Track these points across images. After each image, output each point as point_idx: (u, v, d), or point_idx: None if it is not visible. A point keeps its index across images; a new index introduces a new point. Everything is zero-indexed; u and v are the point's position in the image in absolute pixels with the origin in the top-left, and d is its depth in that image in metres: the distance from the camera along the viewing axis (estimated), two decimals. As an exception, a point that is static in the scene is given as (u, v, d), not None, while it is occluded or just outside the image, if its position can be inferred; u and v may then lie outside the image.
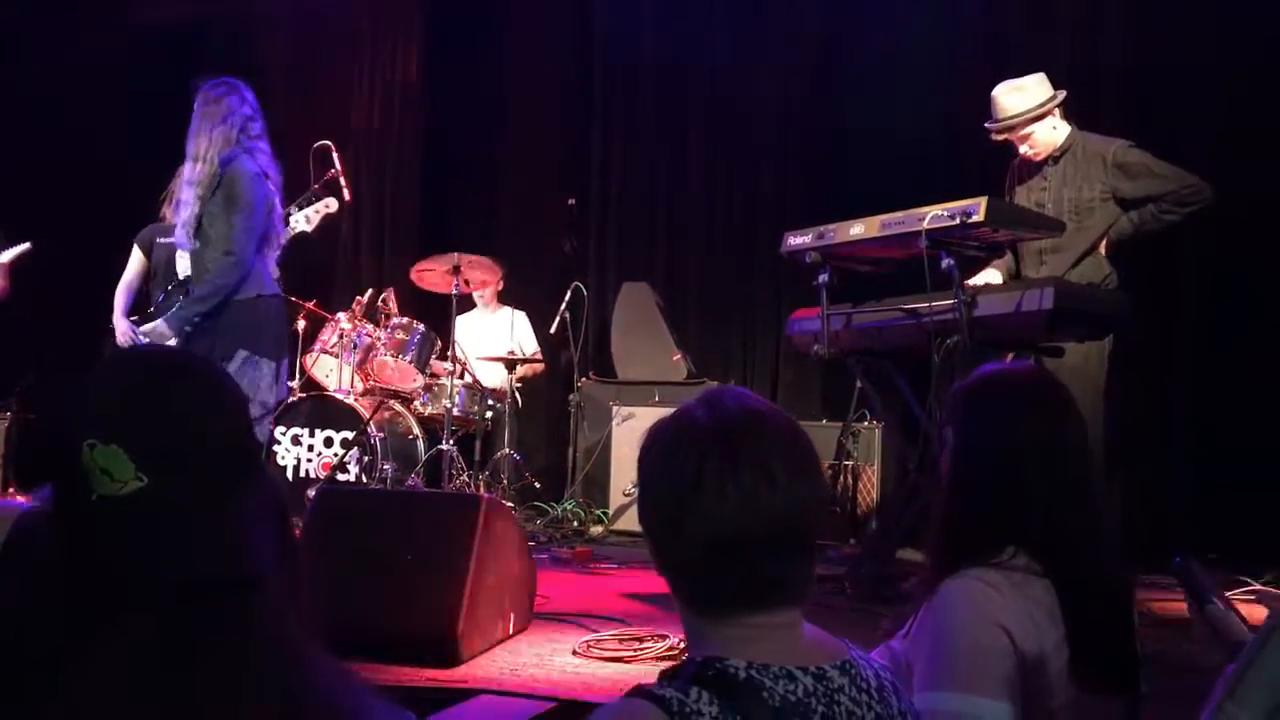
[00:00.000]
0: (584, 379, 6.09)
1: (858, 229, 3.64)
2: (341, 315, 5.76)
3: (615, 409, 5.76)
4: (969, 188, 3.51)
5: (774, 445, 1.07)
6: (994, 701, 1.42)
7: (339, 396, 5.47)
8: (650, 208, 6.82)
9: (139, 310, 4.58)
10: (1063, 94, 4.01)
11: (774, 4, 6.44)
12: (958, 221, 3.33)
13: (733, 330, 6.51)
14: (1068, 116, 4.06)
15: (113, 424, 0.92)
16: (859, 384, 4.22)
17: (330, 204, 4.63)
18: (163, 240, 4.39)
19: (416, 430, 5.66)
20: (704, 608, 1.09)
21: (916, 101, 5.60)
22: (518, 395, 6.06)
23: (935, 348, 3.46)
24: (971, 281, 3.82)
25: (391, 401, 5.67)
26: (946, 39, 5.77)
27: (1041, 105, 3.98)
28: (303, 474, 5.40)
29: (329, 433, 5.42)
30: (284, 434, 5.44)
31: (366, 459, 5.29)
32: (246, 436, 1.03)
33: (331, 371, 5.68)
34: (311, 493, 3.55)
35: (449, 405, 5.35)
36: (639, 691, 1.03)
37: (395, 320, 5.74)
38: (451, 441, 5.28)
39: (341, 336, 5.64)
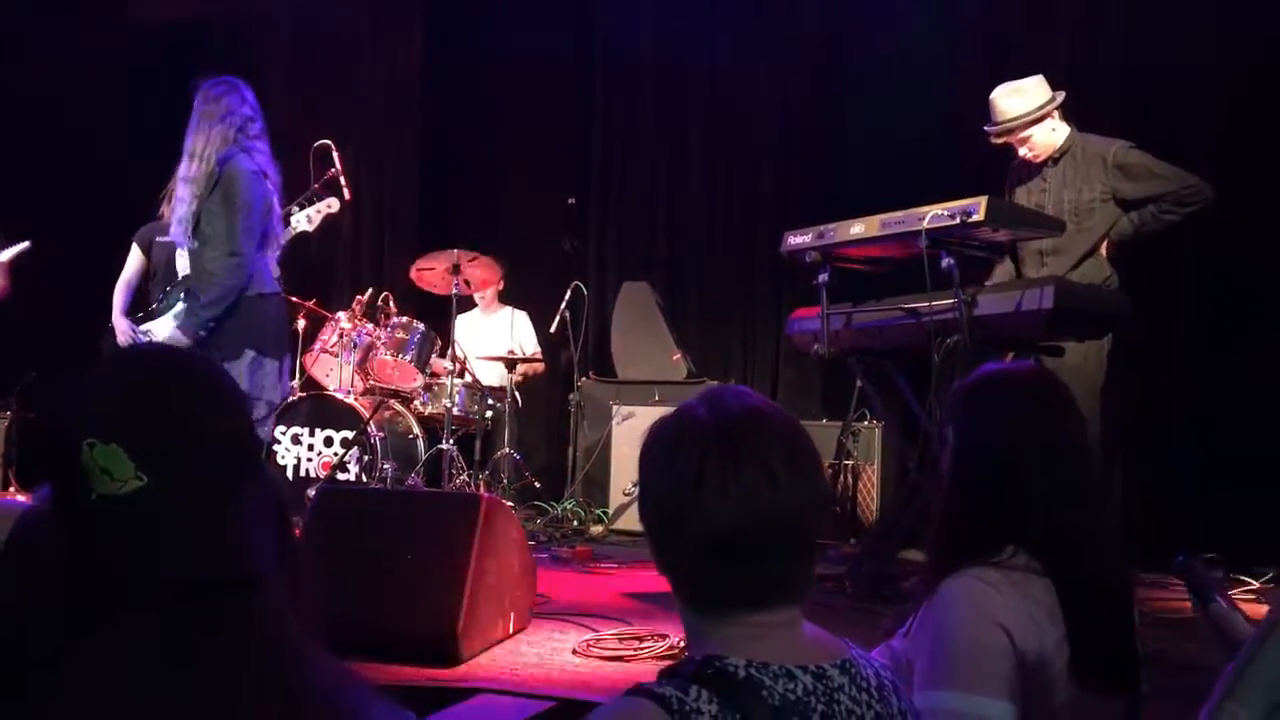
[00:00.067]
0: (584, 378, 6.09)
1: (858, 228, 3.65)
2: (341, 315, 5.76)
3: (615, 408, 5.76)
4: (969, 188, 3.51)
5: (775, 444, 1.07)
6: (994, 700, 1.43)
7: (339, 396, 5.47)
8: (650, 208, 6.83)
9: (138, 309, 4.58)
10: (1061, 95, 4.01)
11: (774, 4, 6.44)
12: (958, 221, 3.33)
13: (733, 330, 6.51)
14: (1067, 118, 4.06)
15: (112, 423, 0.92)
16: (859, 383, 4.23)
17: (332, 204, 4.63)
18: (162, 239, 4.38)
19: (416, 430, 5.66)
20: (704, 606, 1.09)
21: (916, 101, 5.60)
22: (518, 395, 6.06)
23: (935, 347, 3.46)
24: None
25: (391, 401, 5.68)
26: (946, 39, 5.76)
27: (1041, 107, 3.98)
28: (303, 473, 5.40)
29: (329, 432, 5.42)
30: (284, 433, 5.44)
31: (366, 458, 5.30)
32: (247, 436, 1.03)
33: (332, 371, 5.68)
34: (311, 492, 3.55)
35: (449, 405, 5.35)
36: (639, 690, 1.03)
37: (395, 320, 5.74)
38: (451, 441, 5.28)
39: (341, 336, 5.64)
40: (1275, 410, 4.58)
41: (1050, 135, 4.03)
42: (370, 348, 5.64)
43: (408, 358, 5.65)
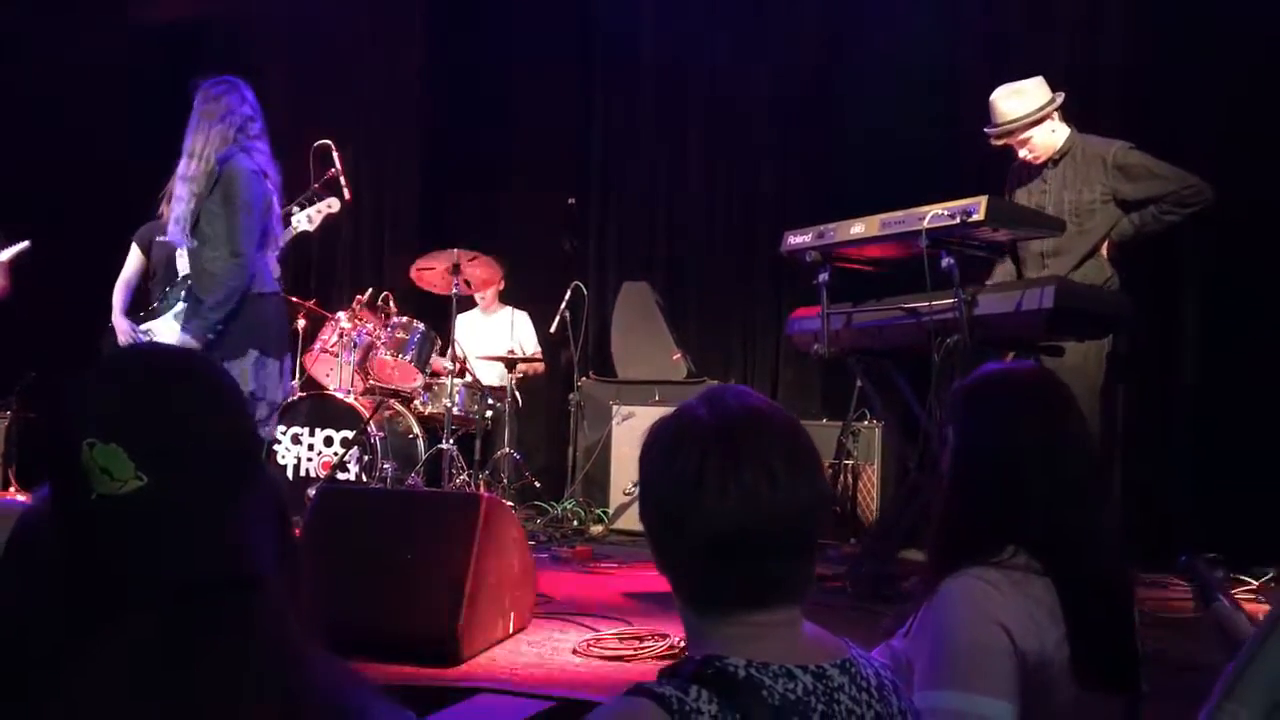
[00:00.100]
0: (584, 378, 6.09)
1: (858, 228, 3.64)
2: (341, 314, 5.76)
3: (615, 408, 5.76)
4: (969, 188, 3.51)
5: (775, 444, 1.07)
6: (995, 700, 1.42)
7: (339, 395, 5.47)
8: (650, 208, 6.83)
9: (138, 309, 4.58)
10: (1061, 97, 4.00)
11: (774, 4, 6.45)
12: (958, 220, 3.33)
13: (733, 330, 6.51)
14: (1067, 119, 4.06)
15: (112, 423, 0.92)
16: (859, 383, 4.23)
17: (332, 204, 4.63)
18: (161, 239, 4.38)
19: (416, 429, 5.66)
20: (704, 606, 1.09)
21: (916, 101, 5.60)
22: (518, 394, 6.06)
23: (935, 347, 3.46)
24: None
25: (391, 400, 5.68)
26: (946, 39, 5.77)
27: (1040, 109, 3.98)
28: (303, 473, 5.40)
29: (329, 432, 5.42)
30: (284, 433, 5.43)
31: (366, 458, 5.29)
32: (247, 436, 1.03)
33: (332, 371, 5.68)
34: (311, 492, 3.55)
35: (449, 404, 5.35)
36: (639, 689, 1.03)
37: (395, 319, 5.74)
38: (451, 441, 5.28)
39: (341, 335, 5.64)
40: (1275, 410, 4.58)
41: (1050, 137, 4.03)
42: (370, 347, 5.64)
43: (408, 358, 5.65)
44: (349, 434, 5.33)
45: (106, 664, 0.89)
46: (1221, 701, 1.24)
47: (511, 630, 3.01)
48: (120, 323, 4.60)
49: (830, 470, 5.24)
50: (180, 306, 4.00)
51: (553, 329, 6.11)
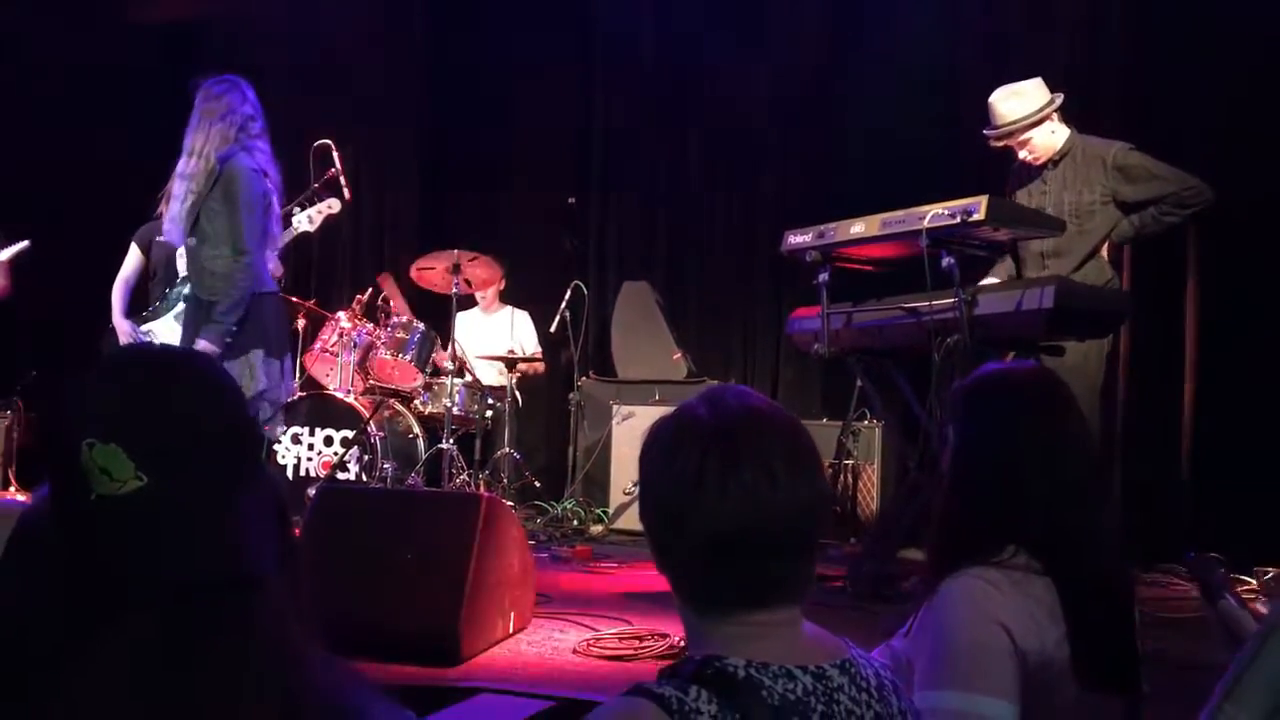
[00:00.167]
0: (584, 378, 6.09)
1: (858, 227, 3.64)
2: (341, 314, 5.76)
3: (615, 408, 5.76)
4: (969, 188, 3.51)
5: (775, 444, 1.07)
6: (995, 700, 1.42)
7: (339, 395, 5.47)
8: (650, 208, 6.83)
9: (138, 309, 4.58)
10: (1060, 98, 4.00)
11: (774, 4, 6.44)
12: (958, 220, 3.33)
13: (733, 329, 6.51)
14: (1066, 120, 4.06)
15: (112, 423, 0.92)
16: (859, 383, 4.23)
17: (333, 204, 4.63)
18: (161, 239, 4.39)
19: (416, 429, 5.66)
20: (704, 606, 1.09)
21: (916, 101, 5.60)
22: (518, 394, 6.06)
23: (935, 346, 3.46)
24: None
25: (391, 400, 5.68)
26: (946, 39, 5.77)
27: (1040, 110, 3.97)
28: (303, 473, 5.40)
29: (329, 431, 5.42)
30: (284, 433, 5.43)
31: (366, 458, 5.29)
32: (247, 436, 1.03)
33: (332, 370, 5.68)
34: (311, 491, 3.55)
35: (449, 404, 5.35)
36: (638, 690, 1.03)
37: (395, 319, 5.74)
38: (451, 440, 5.28)
39: (341, 335, 5.64)
40: (1275, 410, 4.58)
41: (1050, 138, 4.02)
42: (370, 347, 5.64)
43: (408, 357, 5.65)
44: (349, 434, 5.33)
45: (106, 664, 0.89)
46: (1221, 703, 1.24)
47: (511, 630, 3.01)
48: (121, 324, 4.60)
49: (830, 470, 5.24)
50: (181, 307, 4.00)
51: (553, 328, 6.11)
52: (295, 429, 5.45)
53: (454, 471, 5.33)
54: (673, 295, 6.44)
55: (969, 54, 5.68)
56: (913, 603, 1.63)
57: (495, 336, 6.25)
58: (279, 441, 5.39)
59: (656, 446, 1.12)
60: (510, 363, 5.86)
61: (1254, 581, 4.04)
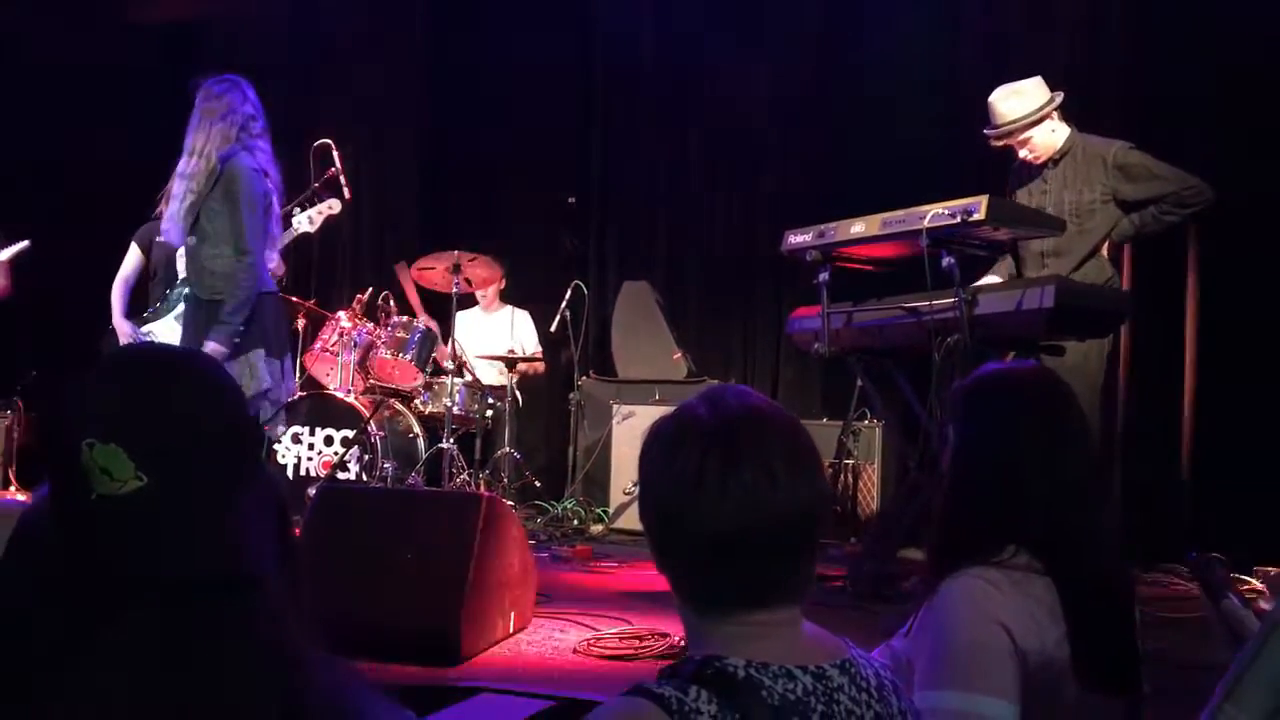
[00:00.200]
0: (584, 377, 6.09)
1: (858, 227, 3.64)
2: (341, 314, 5.76)
3: (615, 407, 5.76)
4: (969, 188, 3.50)
5: (775, 443, 1.07)
6: (995, 700, 1.42)
7: (339, 395, 5.47)
8: (650, 208, 6.83)
9: (137, 309, 4.58)
10: (1060, 97, 4.00)
11: (774, 4, 6.44)
12: (959, 220, 3.32)
13: (733, 329, 6.51)
14: (1066, 119, 4.06)
15: (112, 423, 0.92)
16: (859, 382, 4.22)
17: (333, 205, 4.63)
18: (161, 239, 4.39)
19: (417, 429, 5.66)
20: (704, 605, 1.09)
21: (916, 101, 5.60)
22: (518, 394, 6.06)
23: (936, 346, 3.46)
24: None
25: (392, 400, 5.67)
26: (946, 39, 5.77)
27: (1040, 109, 3.97)
28: (303, 472, 5.40)
29: (329, 431, 5.42)
30: (284, 432, 5.43)
31: (367, 457, 5.29)
32: (247, 435, 1.03)
33: (332, 370, 5.68)
34: (311, 491, 3.55)
35: (449, 404, 5.35)
36: (638, 690, 1.03)
37: (395, 319, 5.74)
38: (452, 440, 5.28)
39: (341, 335, 5.64)
40: (1275, 410, 4.58)
41: (1050, 137, 4.02)
42: (370, 347, 5.64)
43: (408, 357, 5.65)
44: (349, 433, 5.33)
45: (107, 664, 0.89)
46: (1221, 703, 1.24)
47: (512, 630, 3.01)
48: (121, 325, 4.60)
49: (830, 470, 5.24)
50: (181, 308, 4.00)
51: (553, 328, 6.11)
52: (295, 428, 5.45)
53: (454, 471, 5.33)
54: (673, 295, 6.44)
55: (969, 54, 5.68)
56: (913, 603, 1.63)
57: (495, 336, 6.26)
58: (279, 441, 5.39)
59: (656, 446, 1.12)
60: (510, 362, 5.86)
61: (1253, 582, 4.04)
